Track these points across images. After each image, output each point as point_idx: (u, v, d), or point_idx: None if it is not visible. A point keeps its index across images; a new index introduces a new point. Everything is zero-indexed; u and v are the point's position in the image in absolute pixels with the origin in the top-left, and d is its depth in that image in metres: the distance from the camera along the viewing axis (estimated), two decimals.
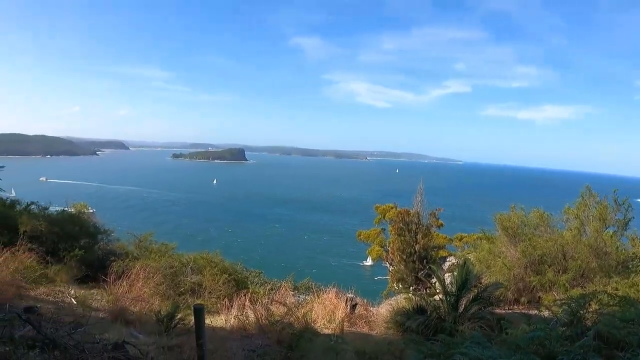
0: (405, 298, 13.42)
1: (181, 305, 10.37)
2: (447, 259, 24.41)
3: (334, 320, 11.40)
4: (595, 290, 9.10)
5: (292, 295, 14.08)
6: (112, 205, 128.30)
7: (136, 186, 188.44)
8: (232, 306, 11.48)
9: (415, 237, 23.33)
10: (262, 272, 23.36)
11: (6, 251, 10.03)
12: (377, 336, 10.98)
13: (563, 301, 7.22)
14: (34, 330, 5.38)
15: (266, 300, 11.63)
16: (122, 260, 13.83)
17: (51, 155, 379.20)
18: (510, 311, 13.08)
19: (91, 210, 20.61)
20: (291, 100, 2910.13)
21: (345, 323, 11.41)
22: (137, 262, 13.26)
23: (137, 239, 17.69)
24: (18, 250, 10.71)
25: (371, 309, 13.96)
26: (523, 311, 12.44)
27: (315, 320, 11.16)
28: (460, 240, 27.96)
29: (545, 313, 9.76)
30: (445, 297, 10.68)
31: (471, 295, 10.76)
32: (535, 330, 5.41)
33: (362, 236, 32.35)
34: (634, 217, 14.60)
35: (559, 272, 13.58)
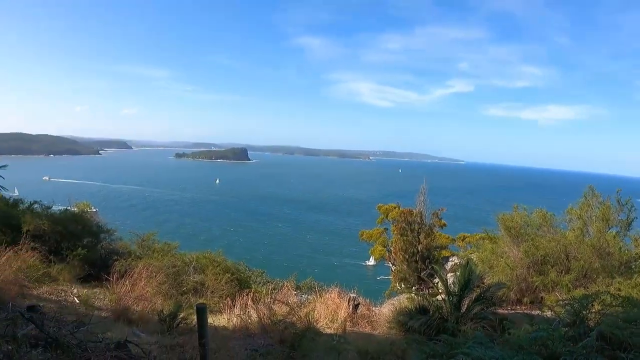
0: (407, 298, 13.43)
1: (183, 304, 10.38)
2: (450, 259, 24.38)
3: (337, 320, 11.41)
4: (598, 290, 9.08)
5: (295, 294, 14.10)
6: (114, 205, 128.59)
7: (139, 185, 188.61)
8: (234, 305, 11.50)
9: (418, 237, 23.32)
10: (264, 272, 23.44)
11: (9, 250, 10.04)
12: (380, 336, 10.98)
13: (566, 301, 7.20)
14: (37, 329, 5.39)
15: (269, 300, 11.65)
16: (124, 259, 13.83)
17: (54, 155, 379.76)
18: (512, 311, 13.07)
19: (94, 210, 20.61)
20: (294, 100, 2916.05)
21: (347, 323, 11.42)
22: (139, 261, 13.25)
23: (139, 238, 17.70)
24: (21, 249, 10.72)
25: (373, 308, 13.97)
26: (526, 311, 12.42)
27: (317, 320, 11.17)
28: (462, 240, 27.93)
29: (548, 313, 9.75)
30: (448, 297, 10.67)
31: (474, 296, 10.74)
32: (537, 330, 5.39)
33: (364, 236, 32.31)
34: (637, 218, 14.59)
35: (561, 273, 13.57)
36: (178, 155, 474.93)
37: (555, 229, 15.83)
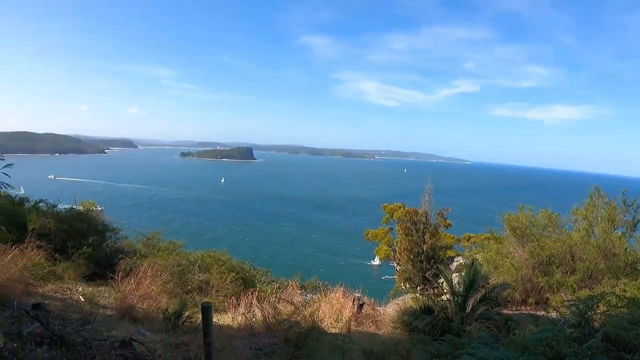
0: (412, 298, 13.40)
1: (188, 303, 10.41)
2: (455, 259, 24.35)
3: (341, 319, 11.40)
4: (604, 291, 9.04)
5: (300, 294, 14.09)
6: (120, 203, 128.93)
7: (144, 184, 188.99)
8: (239, 304, 11.51)
9: (423, 237, 23.28)
10: (269, 271, 23.40)
11: (15, 248, 10.07)
12: (384, 336, 10.97)
13: (571, 302, 7.18)
14: (42, 327, 5.41)
15: (273, 299, 11.64)
16: (130, 258, 13.86)
17: (60, 154, 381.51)
18: (517, 312, 13.03)
19: (99, 208, 20.70)
20: (299, 99, 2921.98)
21: (352, 322, 11.41)
22: (144, 260, 13.30)
23: (145, 237, 17.76)
24: (26, 248, 10.76)
25: (378, 308, 13.95)
26: (531, 312, 12.39)
27: (322, 320, 11.15)
28: (468, 240, 27.92)
29: (553, 314, 9.73)
30: (453, 297, 10.65)
31: (479, 296, 10.72)
32: (543, 331, 5.38)
33: (369, 235, 32.36)
34: None
35: (567, 273, 13.52)
36: (183, 154, 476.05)
37: (560, 230, 15.79)
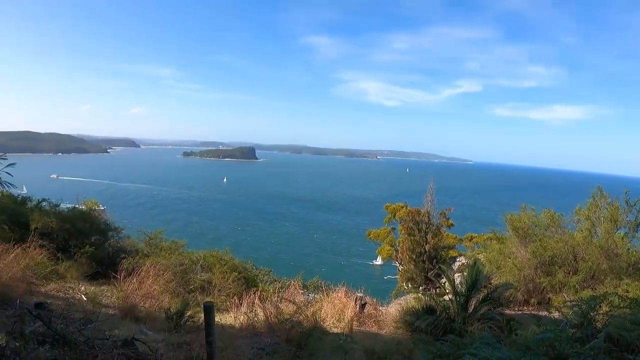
0: (414, 298, 13.41)
1: (191, 302, 10.41)
2: (457, 259, 24.36)
3: (343, 319, 11.40)
4: (606, 292, 9.04)
5: (302, 293, 14.08)
6: (122, 203, 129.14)
7: (147, 184, 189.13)
8: (241, 304, 11.52)
9: (426, 237, 23.30)
10: (271, 271, 23.44)
11: (17, 247, 10.09)
12: (386, 336, 10.97)
13: (573, 303, 7.19)
14: (45, 326, 5.42)
15: (275, 299, 11.64)
16: (132, 257, 13.88)
17: (62, 153, 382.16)
18: (520, 312, 13.03)
19: (102, 208, 20.69)
20: (301, 99, 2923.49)
21: (354, 322, 11.41)
22: (147, 260, 13.31)
23: (147, 236, 17.78)
24: (29, 247, 10.78)
25: (380, 308, 13.95)
26: (533, 312, 12.39)
27: (324, 319, 11.15)
28: (470, 240, 27.90)
29: (556, 314, 9.71)
30: (455, 297, 10.65)
31: (481, 296, 10.72)
32: (545, 331, 5.38)
33: (372, 235, 32.35)
34: None
35: (569, 274, 13.51)
36: (186, 154, 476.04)
37: (563, 230, 15.77)
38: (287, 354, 8.02)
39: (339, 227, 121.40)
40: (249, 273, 17.77)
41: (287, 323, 9.21)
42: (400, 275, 26.01)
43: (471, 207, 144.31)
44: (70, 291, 10.90)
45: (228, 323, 10.53)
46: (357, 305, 12.26)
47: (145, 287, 10.33)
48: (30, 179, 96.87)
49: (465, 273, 11.59)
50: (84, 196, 21.14)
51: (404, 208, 28.20)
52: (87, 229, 15.14)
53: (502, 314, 10.46)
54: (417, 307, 11.55)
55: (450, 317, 10.24)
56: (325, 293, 13.30)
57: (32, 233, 12.23)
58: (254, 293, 11.97)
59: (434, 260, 22.74)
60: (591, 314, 6.21)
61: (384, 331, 11.61)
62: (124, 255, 14.18)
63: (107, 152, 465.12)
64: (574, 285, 12.83)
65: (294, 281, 14.43)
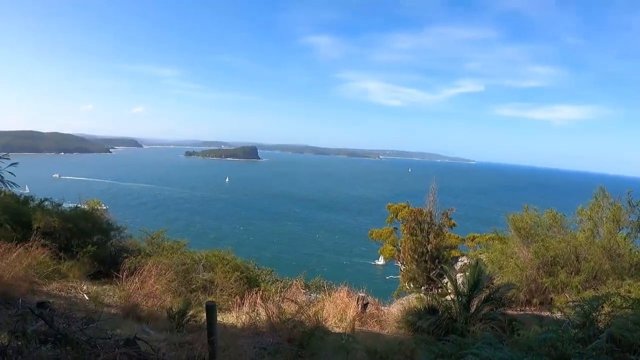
0: (416, 298, 13.40)
1: (193, 302, 10.41)
2: (459, 259, 24.32)
3: (345, 319, 11.40)
4: (608, 292, 9.01)
5: (304, 293, 14.09)
6: (124, 203, 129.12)
7: (149, 183, 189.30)
8: (243, 304, 11.51)
9: (428, 237, 23.29)
10: (273, 270, 23.45)
11: (20, 247, 10.11)
12: (388, 335, 10.97)
13: (575, 303, 7.17)
14: (47, 325, 5.41)
15: (277, 298, 11.65)
16: (134, 256, 13.89)
17: (64, 153, 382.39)
18: (522, 312, 13.02)
19: (104, 207, 20.72)
20: (303, 99, 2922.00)
21: (356, 322, 11.41)
22: (149, 259, 13.33)
23: (149, 236, 17.81)
24: (31, 246, 10.80)
25: (382, 308, 13.97)
26: (535, 312, 12.39)
27: (326, 319, 11.16)
28: (472, 240, 27.84)
29: (558, 315, 9.72)
30: (457, 297, 10.64)
31: (483, 296, 10.70)
32: (547, 331, 5.36)
33: (374, 235, 32.31)
34: None
35: (571, 274, 13.50)
36: (188, 154, 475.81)
37: (565, 230, 15.76)
38: (289, 354, 8.01)
39: (341, 226, 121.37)
40: (251, 273, 17.79)
41: (289, 323, 9.21)
42: (403, 275, 26.00)
43: (473, 207, 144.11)
44: (73, 290, 10.91)
45: (230, 322, 10.53)
46: (359, 305, 12.26)
47: (148, 286, 10.34)
48: (32, 179, 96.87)
49: (467, 273, 11.58)
50: (86, 196, 21.20)
51: (406, 208, 28.16)
52: (90, 228, 15.15)
53: (504, 314, 10.45)
54: (419, 307, 11.55)
55: (453, 317, 10.23)
56: (327, 293, 13.31)
57: (35, 232, 12.25)
58: (256, 293, 11.97)
59: (436, 260, 22.73)
60: (593, 314, 6.20)
61: (386, 331, 11.61)
62: (126, 254, 14.19)
63: (109, 152, 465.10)
64: (576, 286, 12.82)
65: (296, 281, 14.44)
